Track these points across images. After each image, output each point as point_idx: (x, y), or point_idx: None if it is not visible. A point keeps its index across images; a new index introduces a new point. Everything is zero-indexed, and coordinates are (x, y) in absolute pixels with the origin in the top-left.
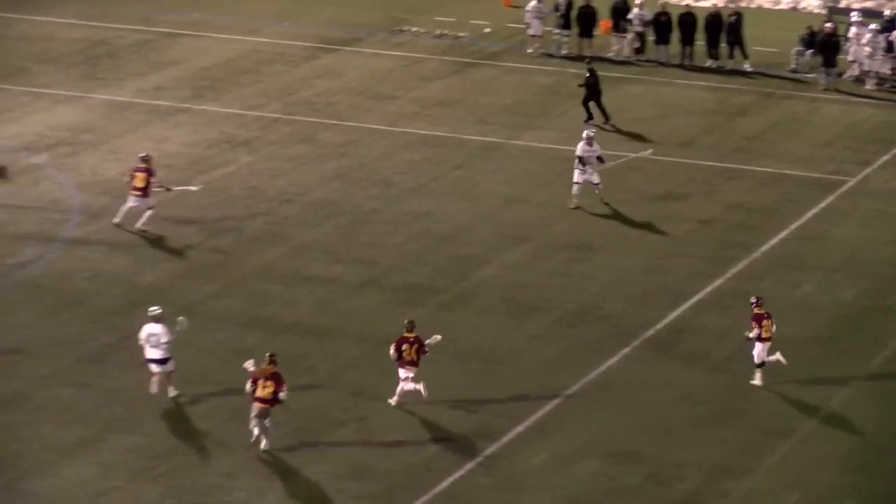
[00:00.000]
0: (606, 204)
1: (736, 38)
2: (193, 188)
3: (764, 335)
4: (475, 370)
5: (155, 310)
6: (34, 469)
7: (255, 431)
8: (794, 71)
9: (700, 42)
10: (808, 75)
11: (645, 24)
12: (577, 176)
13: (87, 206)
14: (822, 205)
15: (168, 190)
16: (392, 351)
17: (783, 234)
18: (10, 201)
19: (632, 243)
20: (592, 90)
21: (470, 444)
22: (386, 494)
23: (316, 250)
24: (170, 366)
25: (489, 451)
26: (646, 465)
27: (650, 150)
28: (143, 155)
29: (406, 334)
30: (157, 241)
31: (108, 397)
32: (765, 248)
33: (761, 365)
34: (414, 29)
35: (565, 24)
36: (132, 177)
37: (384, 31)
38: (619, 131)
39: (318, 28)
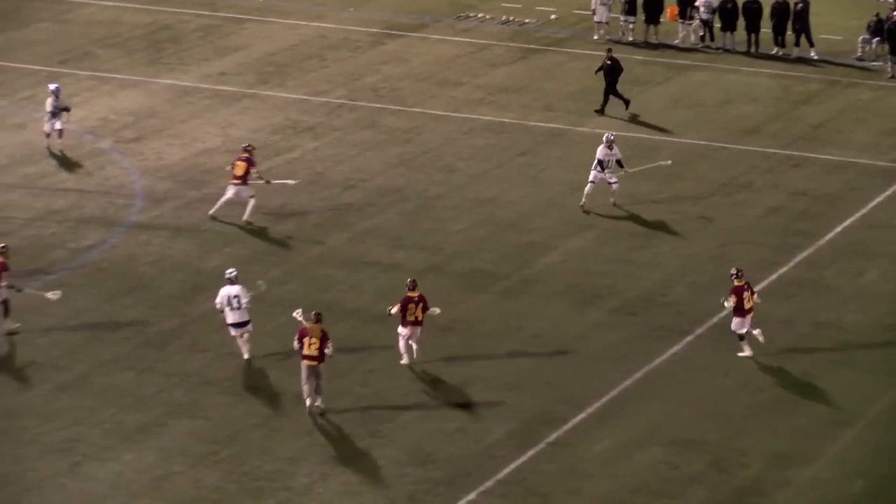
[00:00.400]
0: (617, 206)
1: (802, 26)
2: (291, 182)
3: (746, 307)
4: (538, 357)
5: (231, 272)
6: (95, 453)
7: (308, 400)
8: (861, 59)
9: (766, 29)
10: (875, 63)
11: (711, 11)
12: (592, 175)
13: (151, 191)
14: (887, 193)
15: (267, 182)
16: (396, 310)
17: (847, 223)
18: (75, 186)
19: (696, 230)
20: (610, 77)
21: (533, 430)
22: (448, 480)
23: (379, 236)
24: (249, 327)
25: (552, 437)
26: (708, 453)
27: (670, 161)
28: (246, 145)
29: (410, 293)
30: (220, 227)
31: (170, 382)
32: (829, 236)
33: (742, 337)
34: (480, 15)
35: (631, 11)
36: (233, 165)
37: (450, 17)
38: (640, 123)
39: (384, 14)
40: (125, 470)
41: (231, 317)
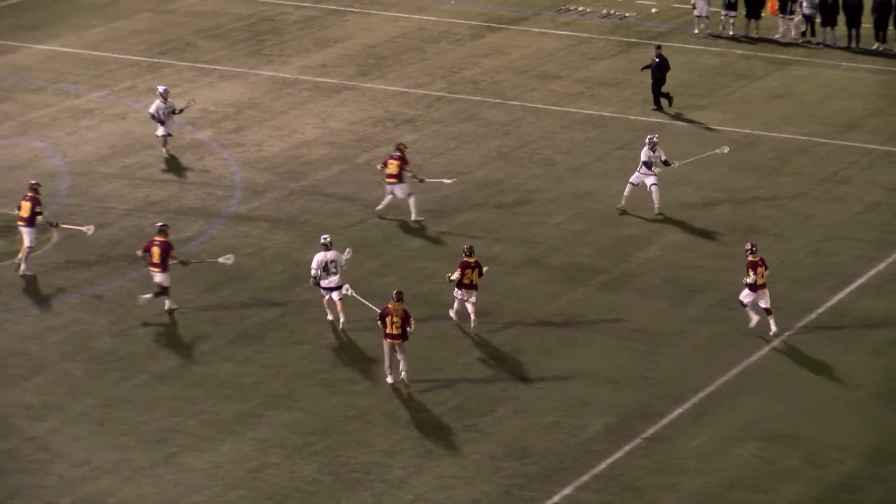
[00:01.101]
0: (661, 214)
1: None
2: (447, 181)
3: (760, 282)
4: (635, 351)
5: (325, 237)
6: (192, 444)
7: (390, 377)
8: None
9: (867, 25)
10: None
11: (813, 6)
12: (633, 177)
13: (250, 183)
14: None
15: (421, 181)
16: (456, 275)
17: None
18: (175, 177)
19: (795, 226)
20: (657, 74)
21: (629, 425)
22: (544, 474)
23: (477, 229)
24: (344, 290)
25: (648, 432)
26: (804, 448)
27: (727, 148)
28: (398, 143)
29: (467, 259)
30: (319, 219)
31: (267, 373)
32: None
33: (745, 305)
34: (580, 8)
35: (732, 5)
36: (385, 164)
37: (550, 11)
38: (740, 117)
39: (485, 6)
40: (222, 461)
41: (327, 281)
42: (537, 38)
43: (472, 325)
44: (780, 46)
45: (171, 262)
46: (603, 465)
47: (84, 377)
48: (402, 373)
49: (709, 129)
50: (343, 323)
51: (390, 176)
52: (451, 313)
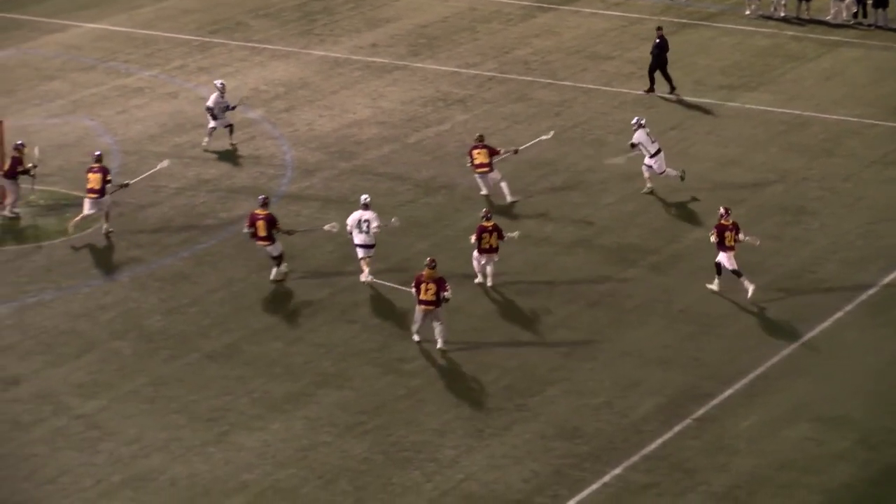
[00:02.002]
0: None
1: None
2: (546, 137)
3: (728, 243)
4: (686, 332)
5: (366, 197)
6: (243, 422)
7: (417, 336)
8: None
9: None
10: None
11: None
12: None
13: (301, 162)
14: None
15: (515, 152)
16: (473, 239)
17: None
18: (226, 156)
19: (846, 207)
20: (658, 58)
21: (680, 405)
22: (595, 455)
23: (528, 209)
24: (372, 252)
25: (699, 413)
26: (855, 430)
27: (552, 132)
28: (478, 134)
29: (485, 223)
30: (372, 199)
31: (318, 352)
32: None
33: (720, 271)
34: None
35: None
36: (472, 156)
37: None
38: (791, 99)
39: None
40: (272, 439)
41: (358, 238)
42: (588, 18)
43: (488, 283)
44: (831, 28)
45: (276, 232)
46: (653, 446)
47: (134, 355)
48: (439, 340)
49: (761, 110)
50: (369, 278)
51: (481, 166)
52: (479, 275)
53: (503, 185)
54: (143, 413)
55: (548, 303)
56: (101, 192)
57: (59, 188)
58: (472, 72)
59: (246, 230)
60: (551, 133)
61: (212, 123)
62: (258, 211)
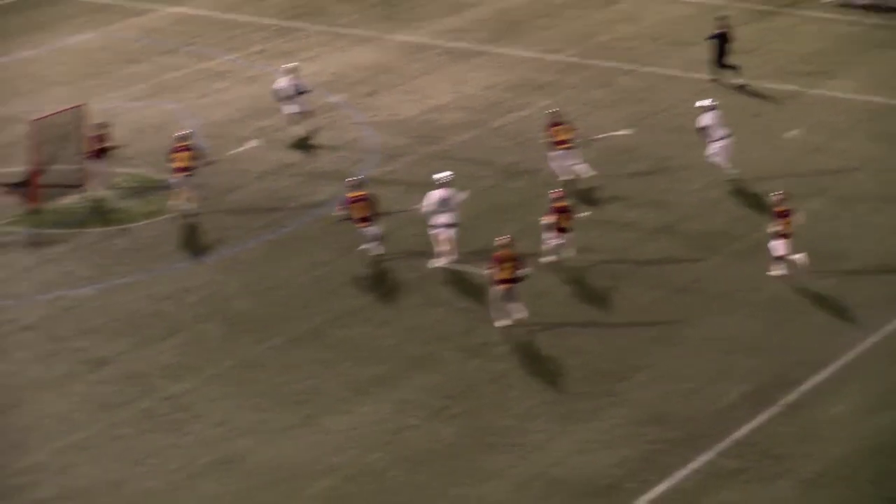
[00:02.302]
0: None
1: None
2: (624, 132)
3: (784, 231)
4: (773, 319)
5: (447, 174)
6: (331, 405)
7: (499, 321)
8: None
9: None
10: None
11: None
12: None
13: (384, 147)
14: None
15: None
16: (548, 219)
17: None
18: (308, 140)
19: None
20: (721, 47)
21: (769, 392)
22: (684, 440)
23: (611, 195)
24: (455, 231)
25: (789, 399)
26: None
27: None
28: (553, 111)
29: (559, 204)
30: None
31: (405, 336)
32: None
33: (780, 259)
34: None
35: None
36: (553, 133)
37: None
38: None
39: None
40: (360, 423)
41: (442, 218)
42: (669, 4)
43: (553, 259)
44: None
45: (372, 213)
46: (743, 432)
47: (220, 338)
48: (518, 314)
49: (844, 97)
50: (452, 259)
51: (562, 143)
52: (549, 257)
53: (583, 167)
54: (229, 396)
55: (633, 288)
56: (189, 170)
57: (142, 171)
58: (555, 57)
59: (340, 211)
60: (629, 131)
61: (293, 108)
62: (354, 192)
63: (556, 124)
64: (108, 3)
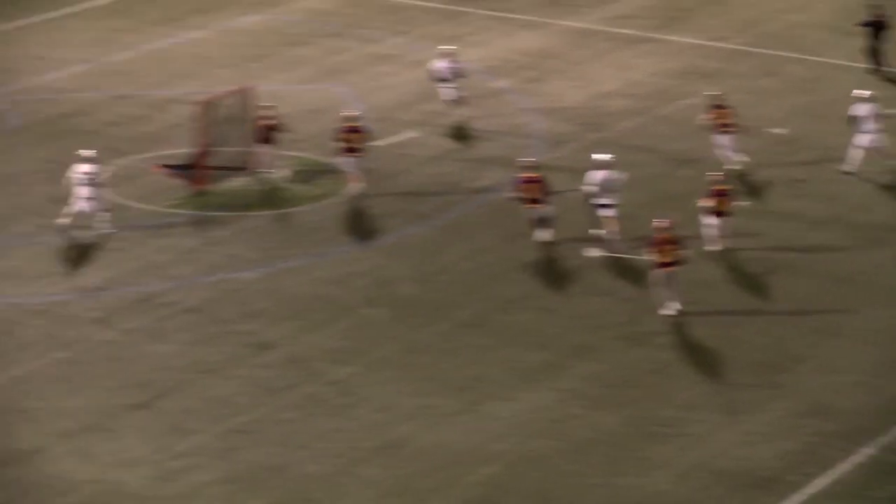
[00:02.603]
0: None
1: None
2: (781, 131)
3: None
4: None
5: (609, 157)
6: (495, 392)
7: (665, 308)
8: None
9: None
10: None
11: None
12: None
13: (550, 133)
14: None
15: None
16: (707, 202)
17: None
18: (475, 126)
19: None
20: (875, 35)
21: None
22: (845, 433)
23: (779, 185)
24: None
25: None
26: None
27: None
28: (716, 94)
29: (721, 187)
30: (617, 170)
31: (570, 324)
32: None
33: None
34: None
35: None
36: (716, 116)
37: None
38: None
39: None
40: (523, 410)
41: (604, 198)
42: None
43: (715, 248)
44: None
45: (543, 195)
46: None
47: (386, 322)
48: (674, 303)
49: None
50: (615, 240)
51: (726, 126)
52: (711, 245)
53: (736, 155)
54: (393, 380)
55: (796, 278)
56: (357, 151)
57: (308, 154)
58: (722, 45)
59: (512, 194)
60: (784, 130)
61: (450, 94)
62: (527, 174)
63: (717, 107)
64: None
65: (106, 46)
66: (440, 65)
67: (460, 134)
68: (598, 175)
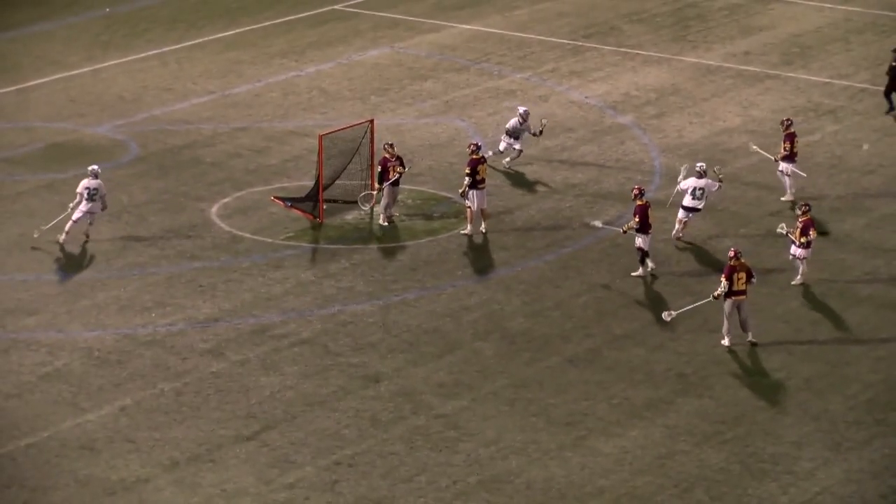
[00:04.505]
0: None
1: None
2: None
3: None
4: None
5: (701, 165)
6: (601, 428)
7: (727, 338)
8: None
9: None
10: None
11: None
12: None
13: (670, 169)
14: None
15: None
16: (789, 233)
17: None
18: (594, 160)
19: None
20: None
21: None
22: None
23: (893, 223)
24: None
25: None
26: None
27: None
28: (785, 119)
29: (802, 219)
30: (737, 207)
31: (680, 360)
32: None
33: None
34: None
35: None
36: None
37: None
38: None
39: None
40: (630, 446)
41: (688, 202)
42: None
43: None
44: None
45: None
46: None
47: (496, 357)
48: (749, 334)
49: None
50: (679, 233)
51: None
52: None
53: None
54: (502, 414)
55: None
56: (481, 183)
57: (427, 188)
58: (845, 83)
59: (630, 226)
60: (865, 146)
61: (514, 145)
62: (641, 201)
63: (790, 135)
64: (401, 19)
65: (228, 78)
66: (511, 122)
67: (580, 169)
68: (691, 181)
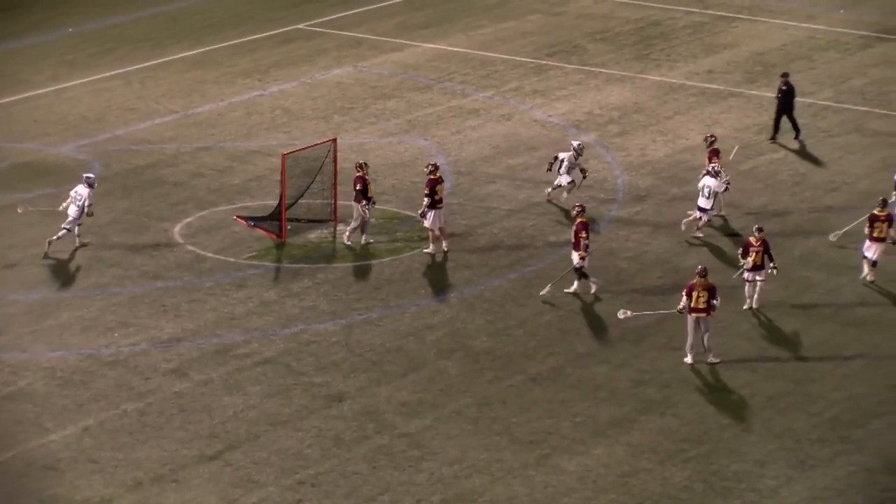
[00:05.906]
0: None
1: None
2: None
3: (876, 235)
4: None
5: (714, 166)
6: (565, 446)
7: (690, 356)
8: None
9: None
10: None
11: None
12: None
13: (633, 187)
14: None
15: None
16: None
17: None
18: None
19: None
20: (785, 102)
21: None
22: None
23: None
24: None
25: None
26: None
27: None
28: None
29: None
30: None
31: (643, 378)
32: None
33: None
34: None
35: None
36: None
37: None
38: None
39: (878, 15)
40: (594, 464)
41: (701, 201)
42: None
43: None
44: None
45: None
46: None
47: (459, 376)
48: (709, 355)
49: None
50: (695, 230)
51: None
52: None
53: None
54: (465, 433)
55: (875, 334)
56: (439, 203)
57: (390, 207)
58: (808, 100)
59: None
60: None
61: (566, 179)
62: (582, 218)
63: (714, 151)
64: (364, 38)
65: (191, 98)
66: (567, 156)
67: (541, 189)
68: (705, 180)
